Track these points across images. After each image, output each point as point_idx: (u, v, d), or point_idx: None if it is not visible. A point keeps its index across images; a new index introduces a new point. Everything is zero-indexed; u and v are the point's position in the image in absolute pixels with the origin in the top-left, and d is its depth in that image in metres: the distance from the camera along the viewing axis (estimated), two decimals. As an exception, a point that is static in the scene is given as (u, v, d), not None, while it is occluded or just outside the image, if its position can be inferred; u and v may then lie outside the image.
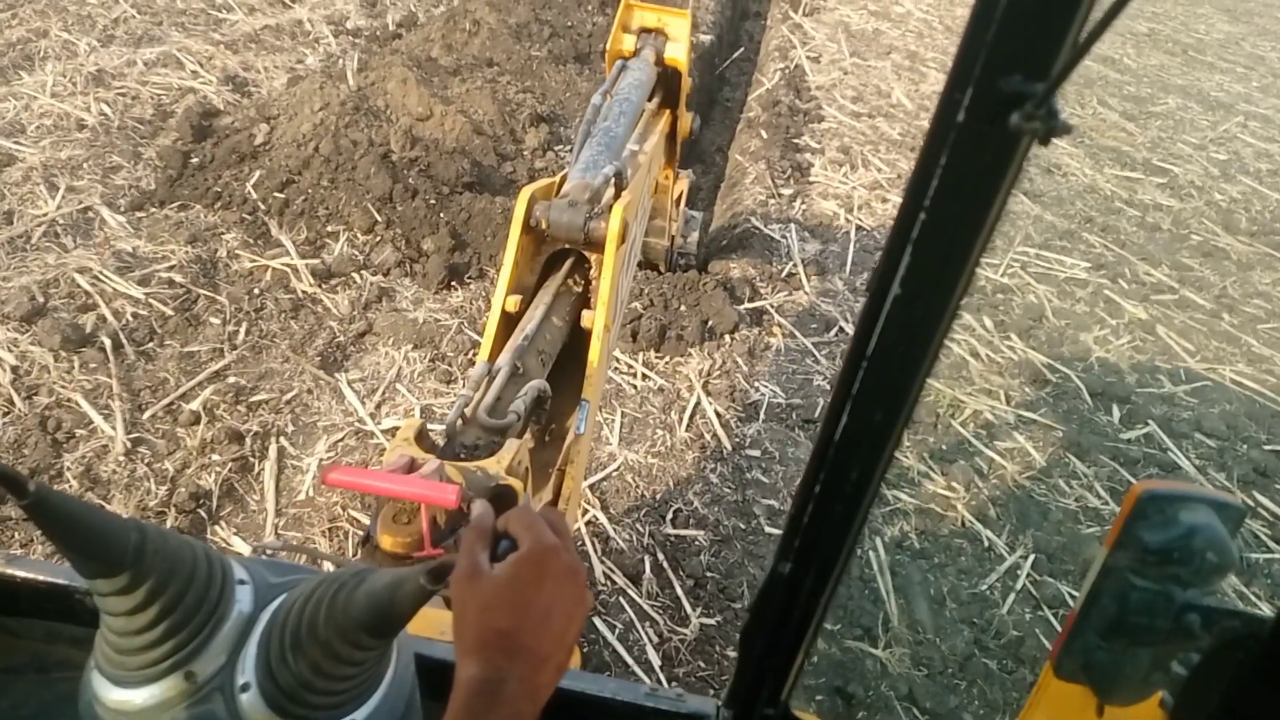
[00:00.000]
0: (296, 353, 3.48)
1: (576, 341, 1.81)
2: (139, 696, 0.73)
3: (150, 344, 3.38)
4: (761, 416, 3.58)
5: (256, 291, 3.73)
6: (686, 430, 3.41)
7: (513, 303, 1.74)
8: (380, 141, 4.54)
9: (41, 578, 1.17)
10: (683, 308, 4.04)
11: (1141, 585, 0.78)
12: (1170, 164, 7.34)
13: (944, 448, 3.60)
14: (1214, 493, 0.79)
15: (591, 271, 1.90)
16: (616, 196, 1.90)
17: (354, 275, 3.97)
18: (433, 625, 1.13)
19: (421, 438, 1.36)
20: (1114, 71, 10.01)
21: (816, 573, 0.88)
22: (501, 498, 1.29)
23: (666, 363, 3.80)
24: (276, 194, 4.27)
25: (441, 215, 4.29)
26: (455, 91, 5.24)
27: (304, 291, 3.80)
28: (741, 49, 9.72)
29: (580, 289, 1.91)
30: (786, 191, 5.52)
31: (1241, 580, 3.12)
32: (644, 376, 3.69)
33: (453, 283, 4.08)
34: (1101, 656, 0.82)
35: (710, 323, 4.01)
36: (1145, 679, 0.82)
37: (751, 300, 4.22)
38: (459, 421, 1.43)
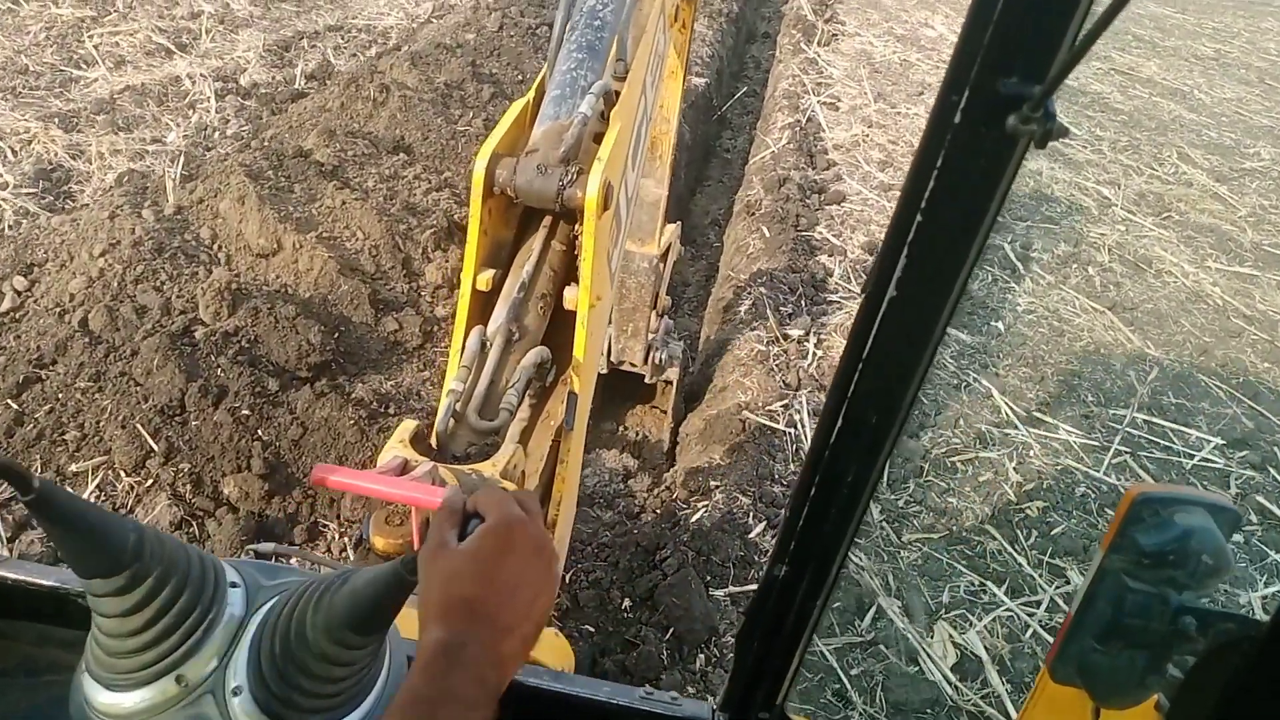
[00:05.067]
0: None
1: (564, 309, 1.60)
2: (129, 700, 0.74)
3: None
4: None
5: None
6: None
7: (485, 280, 1.54)
8: (184, 305, 3.03)
9: (33, 580, 1.16)
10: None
11: (1137, 588, 0.77)
12: (1287, 250, 5.77)
13: None
14: (1208, 495, 0.78)
15: (577, 226, 1.60)
16: (604, 119, 1.62)
17: (91, 562, 2.47)
18: None
19: (417, 439, 1.32)
20: (1187, 110, 8.42)
21: (812, 575, 0.90)
22: None
23: None
24: (9, 401, 2.77)
25: (259, 433, 2.77)
26: (326, 205, 3.71)
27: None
28: (744, 88, 8.17)
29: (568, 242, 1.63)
30: (795, 332, 3.97)
31: None
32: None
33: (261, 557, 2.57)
34: (1097, 659, 0.80)
35: (674, 630, 2.48)
36: (1141, 682, 0.80)
37: (739, 577, 2.69)
38: (450, 423, 1.35)
